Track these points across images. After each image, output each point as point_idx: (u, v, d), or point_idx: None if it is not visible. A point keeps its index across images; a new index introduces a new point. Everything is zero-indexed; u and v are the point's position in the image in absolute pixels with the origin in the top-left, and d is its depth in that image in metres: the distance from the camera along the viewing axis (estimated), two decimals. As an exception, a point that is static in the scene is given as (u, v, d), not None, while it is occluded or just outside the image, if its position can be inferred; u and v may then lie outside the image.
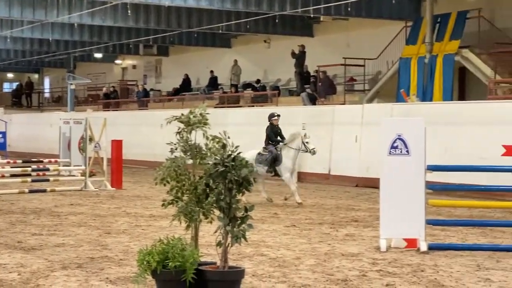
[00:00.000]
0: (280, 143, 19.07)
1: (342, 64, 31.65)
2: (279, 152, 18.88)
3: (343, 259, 10.94)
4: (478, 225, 14.29)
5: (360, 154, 25.46)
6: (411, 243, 11.73)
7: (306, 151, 18.86)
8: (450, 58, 27.30)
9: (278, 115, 19.56)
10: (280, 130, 19.51)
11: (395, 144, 11.71)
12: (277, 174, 19.18)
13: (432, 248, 11.61)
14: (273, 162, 18.89)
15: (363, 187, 24.16)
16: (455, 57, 27.19)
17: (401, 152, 11.70)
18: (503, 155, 11.66)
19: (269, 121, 19.63)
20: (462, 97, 28.93)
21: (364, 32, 33.17)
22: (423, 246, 11.50)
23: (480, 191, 18.13)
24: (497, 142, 17.23)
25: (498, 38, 27.11)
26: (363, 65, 31.48)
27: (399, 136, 11.70)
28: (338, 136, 26.66)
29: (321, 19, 34.31)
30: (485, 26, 27.66)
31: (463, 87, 29.57)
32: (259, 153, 19.02)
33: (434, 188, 12.14)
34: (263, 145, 19.35)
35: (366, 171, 24.76)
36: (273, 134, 19.30)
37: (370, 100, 30.06)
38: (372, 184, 22.10)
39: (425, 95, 27.62)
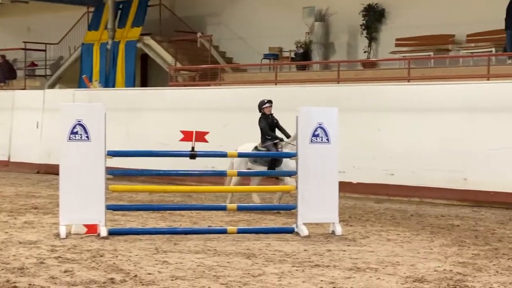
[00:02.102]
0: (284, 139, 14.89)
1: (22, 49, 31.03)
2: (280, 150, 14.83)
3: (20, 247, 10.66)
4: (158, 209, 14.56)
5: (41, 140, 25.01)
6: (92, 229, 11.69)
7: None
8: (132, 44, 27.56)
9: (270, 101, 15.09)
10: (277, 120, 15.11)
11: (75, 130, 11.59)
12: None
13: (112, 233, 11.66)
14: (273, 162, 14.83)
15: (44, 174, 23.78)
16: (137, 44, 27.53)
17: (81, 137, 11.60)
18: (180, 140, 11.96)
19: (259, 111, 15.15)
20: (144, 83, 29.36)
21: (45, 16, 32.55)
22: (103, 232, 11.51)
23: (160, 176, 18.54)
24: (177, 127, 17.63)
25: (178, 26, 27.84)
26: (45, 50, 30.98)
27: (79, 121, 11.60)
28: (19, 122, 26.00)
29: (0, 1, 33.23)
30: (166, 14, 28.27)
31: (146, 73, 30.03)
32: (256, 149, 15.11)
33: (114, 174, 12.15)
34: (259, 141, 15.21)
35: (48, 157, 24.39)
36: (268, 128, 14.97)
37: (52, 86, 29.64)
38: (54, 170, 21.58)
39: (108, 81, 27.71)
